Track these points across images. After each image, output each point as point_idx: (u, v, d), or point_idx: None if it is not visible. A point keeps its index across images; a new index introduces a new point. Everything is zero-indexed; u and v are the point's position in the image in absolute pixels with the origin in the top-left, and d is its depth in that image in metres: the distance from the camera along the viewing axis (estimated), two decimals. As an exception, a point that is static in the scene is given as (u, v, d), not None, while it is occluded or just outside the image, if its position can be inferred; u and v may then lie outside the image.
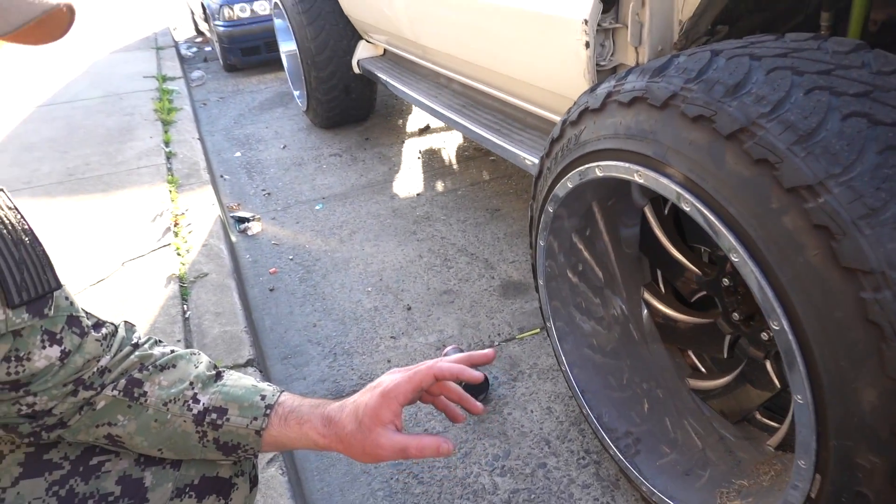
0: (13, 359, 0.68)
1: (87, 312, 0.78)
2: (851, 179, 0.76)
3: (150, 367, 0.80)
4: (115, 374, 0.78)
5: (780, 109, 0.83)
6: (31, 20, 0.54)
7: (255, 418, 0.79)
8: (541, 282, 1.47)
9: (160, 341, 0.86)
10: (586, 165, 1.18)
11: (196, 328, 2.00)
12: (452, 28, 2.29)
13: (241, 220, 3.04)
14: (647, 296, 1.49)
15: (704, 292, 1.36)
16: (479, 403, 0.85)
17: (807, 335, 0.81)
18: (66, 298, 0.74)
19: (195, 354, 0.85)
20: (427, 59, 2.78)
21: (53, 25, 0.59)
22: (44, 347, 0.70)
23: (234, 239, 2.86)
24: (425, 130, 3.99)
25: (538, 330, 2.09)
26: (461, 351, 1.94)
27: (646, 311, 1.50)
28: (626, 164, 1.06)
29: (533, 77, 1.84)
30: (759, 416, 1.37)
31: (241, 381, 0.84)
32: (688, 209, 0.95)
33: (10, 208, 0.69)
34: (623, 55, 1.47)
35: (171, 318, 2.04)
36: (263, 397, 0.81)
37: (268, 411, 0.80)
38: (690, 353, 1.51)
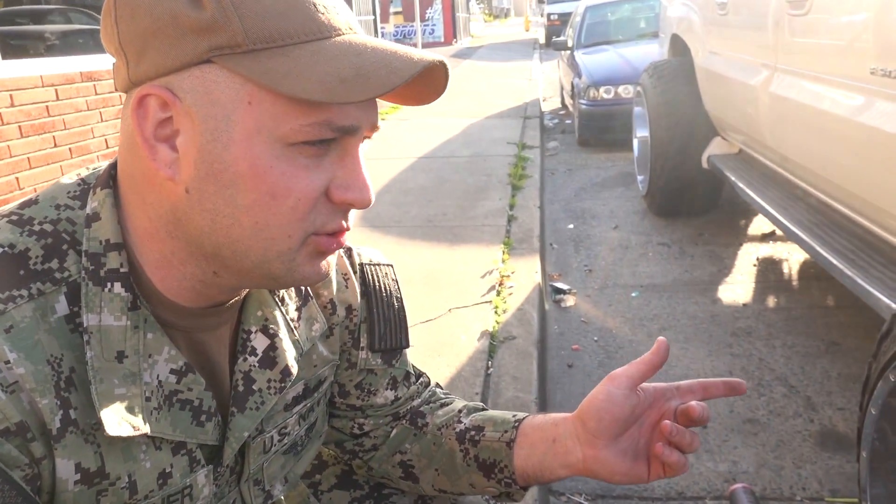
0: (364, 390, 0.87)
1: (413, 367, 0.95)
2: None
3: (433, 402, 0.94)
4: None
5: None
6: (410, 77, 0.56)
7: (506, 431, 0.84)
8: (864, 453, 1.27)
9: (456, 399, 0.98)
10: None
11: (494, 386, 2.18)
12: (821, 144, 2.12)
13: (558, 291, 3.20)
14: None
15: None
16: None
17: None
18: (407, 357, 0.91)
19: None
20: (785, 167, 2.61)
21: (430, 86, 0.63)
22: (387, 389, 0.89)
23: (546, 307, 3.03)
24: (769, 236, 3.69)
25: (856, 501, 1.77)
26: (753, 493, 1.75)
27: None
28: None
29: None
30: None
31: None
32: None
33: (392, 279, 0.89)
34: None
35: (476, 370, 2.25)
36: (514, 415, 0.86)
37: (516, 424, 0.84)
38: None
